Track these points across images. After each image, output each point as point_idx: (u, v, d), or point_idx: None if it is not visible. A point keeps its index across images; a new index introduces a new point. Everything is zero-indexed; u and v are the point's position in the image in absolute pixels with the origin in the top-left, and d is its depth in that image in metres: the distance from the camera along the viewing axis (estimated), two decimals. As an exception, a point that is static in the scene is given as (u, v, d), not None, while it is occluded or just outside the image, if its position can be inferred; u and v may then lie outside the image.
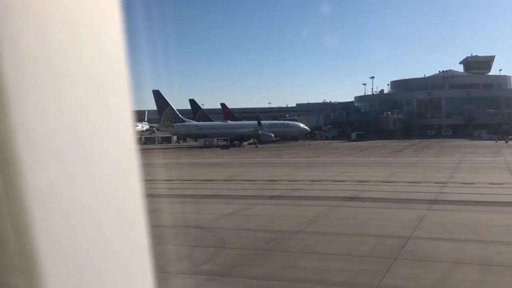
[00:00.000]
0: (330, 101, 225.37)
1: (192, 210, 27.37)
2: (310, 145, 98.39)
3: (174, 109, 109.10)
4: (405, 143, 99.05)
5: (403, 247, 17.75)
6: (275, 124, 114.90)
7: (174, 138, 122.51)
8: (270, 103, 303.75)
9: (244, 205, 28.10)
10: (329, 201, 28.94)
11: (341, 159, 62.27)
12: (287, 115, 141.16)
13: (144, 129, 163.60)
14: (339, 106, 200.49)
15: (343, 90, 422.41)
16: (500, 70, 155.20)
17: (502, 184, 34.77)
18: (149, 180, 41.94)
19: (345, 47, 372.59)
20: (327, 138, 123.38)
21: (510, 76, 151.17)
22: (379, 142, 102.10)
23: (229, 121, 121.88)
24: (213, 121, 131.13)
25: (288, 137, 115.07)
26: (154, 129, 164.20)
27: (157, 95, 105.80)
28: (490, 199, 28.29)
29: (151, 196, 31.84)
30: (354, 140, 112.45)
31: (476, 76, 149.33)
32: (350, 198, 29.43)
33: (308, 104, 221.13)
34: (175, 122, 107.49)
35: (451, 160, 55.85)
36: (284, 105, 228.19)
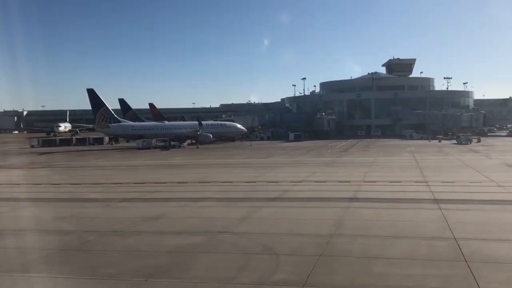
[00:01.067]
0: (254, 102, 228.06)
1: (200, 214, 25.80)
2: (251, 145, 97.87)
3: (110, 108, 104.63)
4: (343, 143, 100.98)
5: (460, 248, 17.42)
6: (213, 125, 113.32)
7: (106, 139, 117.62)
8: (194, 103, 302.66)
9: (249, 208, 26.74)
10: (334, 202, 28.34)
11: (297, 160, 62.09)
12: (223, 116, 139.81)
13: (67, 129, 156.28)
14: (263, 107, 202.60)
15: (267, 91, 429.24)
16: (421, 72, 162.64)
17: (481, 182, 35.91)
18: (118, 184, 39.64)
19: (269, 49, 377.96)
20: (262, 139, 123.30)
21: (433, 78, 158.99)
22: (318, 142, 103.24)
23: (166, 122, 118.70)
24: (143, 121, 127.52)
25: (225, 137, 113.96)
26: (77, 130, 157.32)
27: (92, 94, 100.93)
28: (491, 198, 29.13)
29: (139, 200, 29.93)
30: (292, 141, 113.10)
31: (402, 78, 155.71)
32: (351, 199, 28.94)
33: (233, 104, 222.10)
34: (110, 123, 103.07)
35: (406, 160, 57.30)
36: (207, 106, 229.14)
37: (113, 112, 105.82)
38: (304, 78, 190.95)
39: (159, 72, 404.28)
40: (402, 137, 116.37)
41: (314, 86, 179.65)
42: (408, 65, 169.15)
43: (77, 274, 15.92)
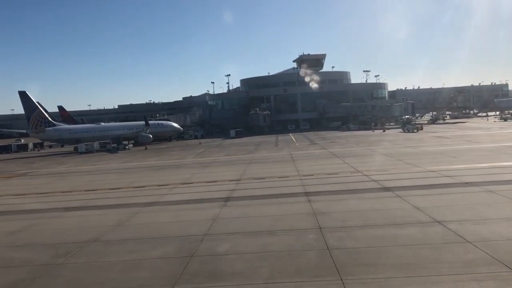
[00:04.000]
0: (154, 102, 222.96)
1: (341, 207, 24.90)
2: (200, 143, 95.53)
3: (43, 112, 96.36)
4: (287, 136, 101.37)
5: None
6: (150, 125, 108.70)
7: (30, 145, 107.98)
8: (90, 105, 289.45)
9: (324, 202, 26.84)
10: (440, 189, 28.61)
11: (286, 153, 60.56)
12: (157, 115, 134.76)
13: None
14: (163, 106, 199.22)
15: (166, 90, 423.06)
16: (333, 67, 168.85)
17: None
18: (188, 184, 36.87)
19: (167, 46, 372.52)
20: (196, 137, 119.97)
21: (349, 72, 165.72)
22: (262, 138, 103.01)
23: (102, 123, 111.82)
24: (61, 124, 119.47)
25: (162, 137, 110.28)
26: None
27: (24, 97, 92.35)
28: None
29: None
30: (233, 137, 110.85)
31: (323, 72, 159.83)
32: (446, 185, 29.73)
33: (131, 105, 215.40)
34: (46, 126, 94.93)
35: (404, 148, 58.23)
36: (102, 107, 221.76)
37: (47, 115, 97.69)
38: (229, 75, 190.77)
39: (52, 74, 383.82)
40: (336, 129, 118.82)
41: (227, 83, 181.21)
42: (318, 60, 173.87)
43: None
